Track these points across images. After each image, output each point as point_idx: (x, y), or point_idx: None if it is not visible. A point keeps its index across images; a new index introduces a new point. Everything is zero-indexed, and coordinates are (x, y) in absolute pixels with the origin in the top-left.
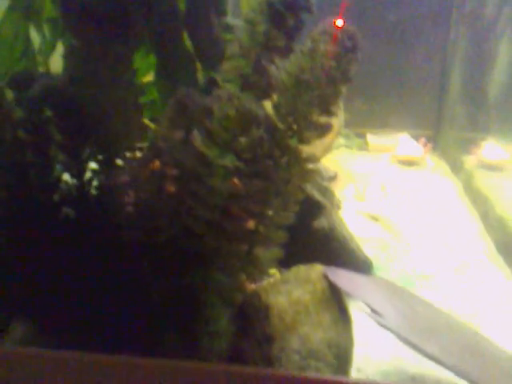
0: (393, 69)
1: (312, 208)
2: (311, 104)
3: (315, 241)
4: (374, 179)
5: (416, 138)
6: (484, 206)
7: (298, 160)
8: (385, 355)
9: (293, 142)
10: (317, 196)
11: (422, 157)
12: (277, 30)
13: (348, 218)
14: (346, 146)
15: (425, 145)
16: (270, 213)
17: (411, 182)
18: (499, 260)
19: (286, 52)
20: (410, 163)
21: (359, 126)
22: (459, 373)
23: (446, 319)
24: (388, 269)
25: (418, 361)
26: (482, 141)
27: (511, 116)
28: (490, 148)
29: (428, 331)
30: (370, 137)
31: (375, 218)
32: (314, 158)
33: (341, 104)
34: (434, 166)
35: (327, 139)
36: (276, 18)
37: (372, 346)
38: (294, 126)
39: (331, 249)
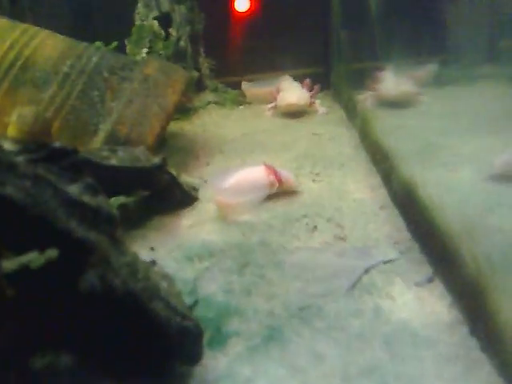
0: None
1: (72, 256)
2: None
3: (85, 315)
4: (245, 146)
5: (303, 78)
6: (385, 167)
7: None
8: None
9: None
10: (79, 232)
11: (309, 103)
12: None
13: (201, 216)
14: (216, 103)
15: (310, 87)
16: None
17: (295, 142)
18: (419, 260)
19: None
20: (296, 113)
21: (232, 73)
22: None
23: None
24: (243, 313)
25: None
26: (380, 71)
27: (404, 33)
28: (390, 79)
29: None
30: (245, 85)
31: (237, 211)
32: None
33: (189, 50)
34: (325, 112)
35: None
36: None
37: None
38: None
39: (115, 325)
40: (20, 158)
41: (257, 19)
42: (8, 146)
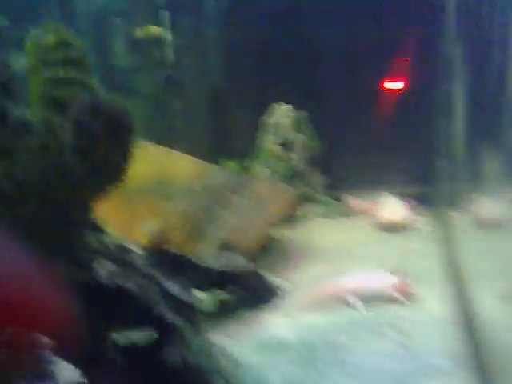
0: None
1: (162, 334)
2: None
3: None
4: (340, 256)
5: (404, 196)
6: (460, 287)
7: None
8: None
9: None
10: (168, 317)
11: (407, 220)
12: None
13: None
14: (323, 215)
15: (411, 206)
16: None
17: (389, 257)
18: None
19: None
20: (393, 228)
21: (340, 188)
22: None
23: None
24: None
25: None
26: (477, 194)
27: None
28: (485, 203)
29: None
30: (348, 198)
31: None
32: None
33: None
34: (422, 230)
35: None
36: None
37: None
38: None
39: None
40: (142, 260)
41: (367, 141)
42: (136, 250)
